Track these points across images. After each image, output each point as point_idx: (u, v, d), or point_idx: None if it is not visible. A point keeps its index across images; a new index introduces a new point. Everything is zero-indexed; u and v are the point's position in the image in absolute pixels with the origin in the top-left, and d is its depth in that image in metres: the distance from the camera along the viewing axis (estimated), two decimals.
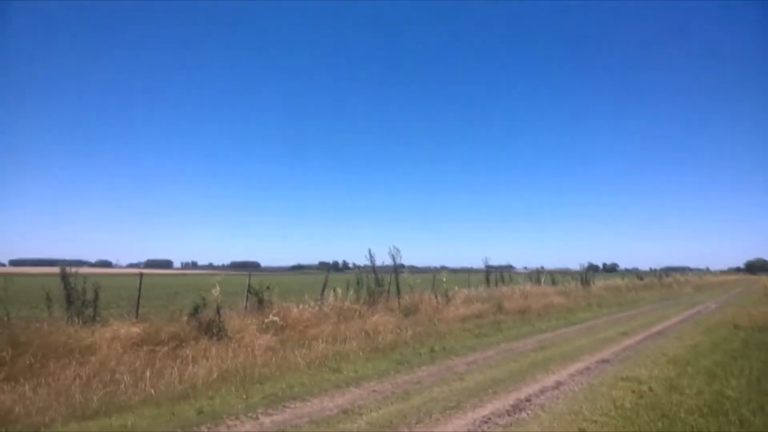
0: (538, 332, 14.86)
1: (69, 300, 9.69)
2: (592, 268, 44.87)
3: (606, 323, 17.60)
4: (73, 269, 9.99)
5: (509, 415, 6.48)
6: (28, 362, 7.58)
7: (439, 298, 18.56)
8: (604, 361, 10.22)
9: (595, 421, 6.19)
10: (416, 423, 6.16)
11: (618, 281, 39.34)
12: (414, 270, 22.33)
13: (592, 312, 21.85)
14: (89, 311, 9.74)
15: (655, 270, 60.74)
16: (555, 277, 33.31)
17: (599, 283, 35.91)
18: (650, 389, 7.72)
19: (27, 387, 6.88)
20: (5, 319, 8.63)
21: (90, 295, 9.88)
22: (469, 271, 30.53)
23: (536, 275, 31.90)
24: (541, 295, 24.60)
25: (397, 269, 17.55)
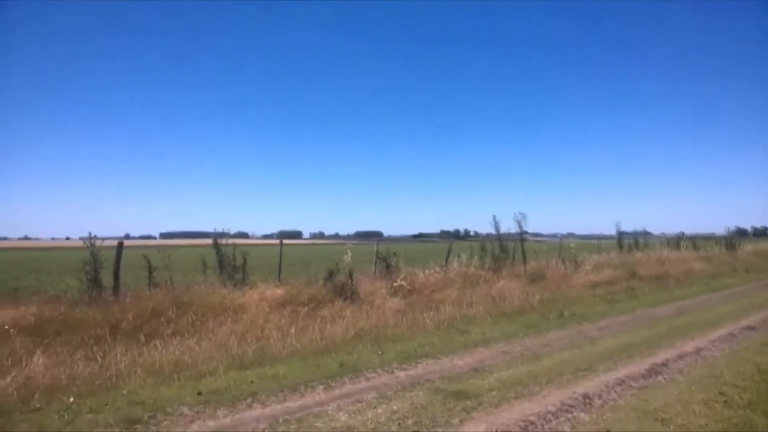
0: (677, 299, 14.04)
1: (221, 266, 10.80)
2: (740, 232, 40.71)
3: (753, 289, 16.19)
4: (222, 240, 11.11)
5: (644, 379, 6.34)
6: (190, 320, 8.52)
7: (566, 264, 18.01)
8: (749, 328, 9.55)
9: (737, 386, 5.91)
10: (547, 382, 6.20)
11: None
12: (539, 237, 21.85)
13: (738, 278, 20.09)
14: (239, 276, 10.75)
15: None
16: (696, 242, 30.75)
17: (747, 247, 32.63)
18: None
19: (192, 341, 7.74)
20: (169, 283, 9.75)
21: (239, 262, 10.91)
22: (598, 237, 29.03)
23: (675, 241, 29.66)
24: (680, 260, 22.90)
25: (522, 235, 17.25)
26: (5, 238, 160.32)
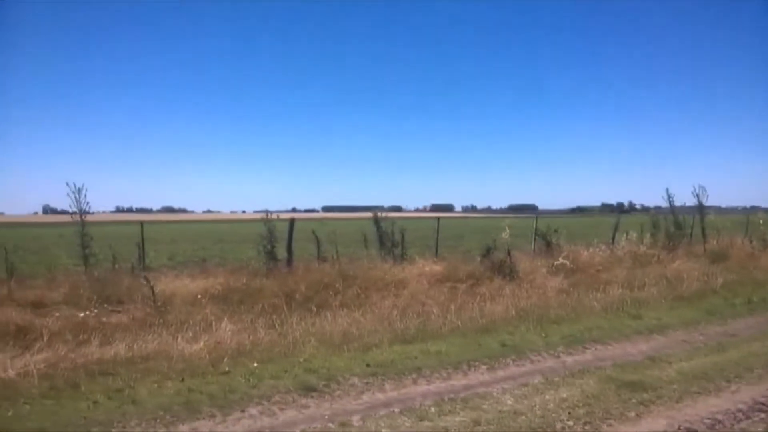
0: None
1: (381, 241, 11.17)
2: None
3: None
4: (380, 214, 11.46)
5: None
6: (355, 293, 8.96)
7: (754, 242, 16.02)
8: None
9: None
10: (735, 377, 5.62)
11: None
12: (718, 211, 19.68)
13: None
14: (398, 251, 11.08)
15: None
16: None
17: None
18: None
19: (357, 313, 8.11)
20: (335, 257, 10.32)
21: (397, 237, 11.22)
22: None
23: None
24: None
25: (702, 210, 15.59)
26: (192, 212, 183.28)
